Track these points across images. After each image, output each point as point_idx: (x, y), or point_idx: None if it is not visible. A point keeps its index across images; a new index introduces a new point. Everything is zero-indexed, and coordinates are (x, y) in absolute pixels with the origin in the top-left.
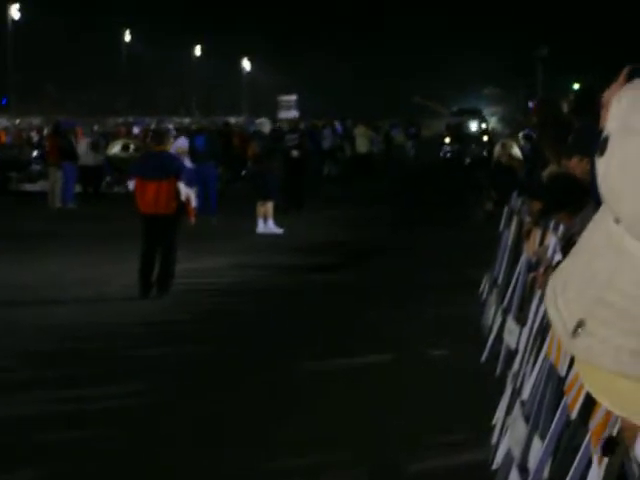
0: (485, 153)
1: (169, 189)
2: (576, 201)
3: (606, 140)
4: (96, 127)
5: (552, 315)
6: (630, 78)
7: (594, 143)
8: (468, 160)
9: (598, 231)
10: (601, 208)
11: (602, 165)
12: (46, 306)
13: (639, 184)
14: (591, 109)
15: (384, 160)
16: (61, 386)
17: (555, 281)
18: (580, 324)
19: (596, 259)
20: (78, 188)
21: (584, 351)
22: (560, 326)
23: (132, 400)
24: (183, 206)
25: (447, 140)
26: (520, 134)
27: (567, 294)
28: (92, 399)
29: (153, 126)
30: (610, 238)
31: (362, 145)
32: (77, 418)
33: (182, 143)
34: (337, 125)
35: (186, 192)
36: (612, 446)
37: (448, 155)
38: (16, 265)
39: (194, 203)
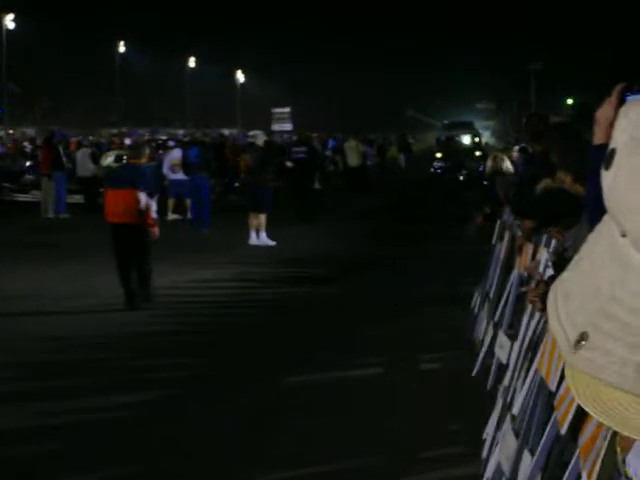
0: (481, 169)
1: (132, 198)
2: (568, 216)
3: (612, 153)
4: (90, 138)
5: (554, 327)
6: (623, 96)
7: (578, 160)
8: (462, 177)
9: (601, 243)
10: (604, 220)
11: (608, 179)
12: (38, 316)
13: None
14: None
15: (378, 174)
16: (52, 397)
17: (556, 293)
18: (583, 336)
19: (600, 271)
20: (78, 198)
21: (586, 364)
22: (562, 338)
23: (121, 411)
24: (144, 215)
25: (438, 155)
26: (515, 148)
27: (569, 306)
28: (84, 410)
29: (147, 137)
30: (615, 251)
31: (353, 159)
32: (71, 429)
33: (176, 155)
34: (329, 139)
35: (145, 202)
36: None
37: (439, 171)
38: (8, 275)
39: (154, 214)
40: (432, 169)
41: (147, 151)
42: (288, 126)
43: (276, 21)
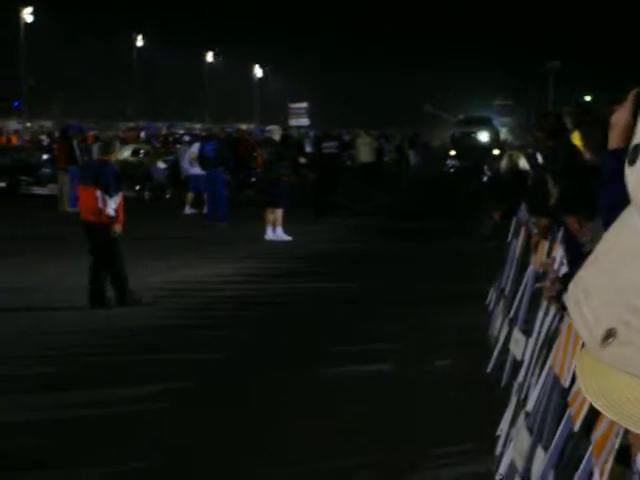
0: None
1: (93, 196)
2: (588, 208)
3: (636, 149)
4: (108, 132)
5: (577, 323)
6: (638, 100)
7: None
8: (485, 178)
9: (625, 238)
10: (624, 214)
11: (633, 174)
12: (44, 311)
13: None
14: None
15: (396, 170)
16: (51, 391)
17: (576, 290)
18: (611, 333)
19: (626, 266)
20: None
21: (617, 359)
22: (587, 334)
23: (124, 407)
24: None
25: (452, 153)
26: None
27: (592, 302)
28: (83, 404)
29: (164, 131)
30: None
31: (365, 154)
32: (70, 423)
33: (194, 149)
34: (344, 135)
35: (103, 200)
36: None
37: (452, 170)
38: (16, 268)
39: (111, 212)
40: (445, 168)
41: (117, 147)
42: (305, 121)
43: (294, 16)
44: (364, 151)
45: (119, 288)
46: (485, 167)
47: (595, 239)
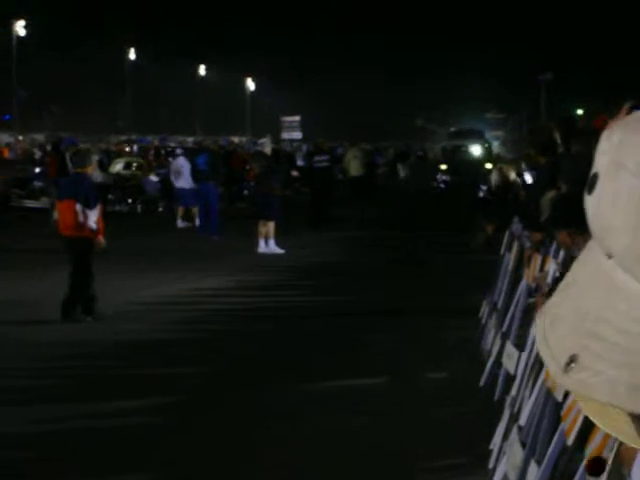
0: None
1: (71, 210)
2: (580, 223)
3: (595, 177)
4: (99, 145)
5: (542, 351)
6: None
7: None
8: (482, 193)
9: (588, 267)
10: (589, 245)
11: (592, 202)
12: (35, 324)
13: (630, 219)
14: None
15: (387, 184)
16: (51, 402)
17: (544, 318)
18: (573, 358)
19: (587, 294)
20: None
21: (578, 385)
22: (551, 362)
23: (120, 419)
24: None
25: (443, 167)
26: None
27: (557, 331)
28: (83, 416)
29: (156, 144)
30: (601, 273)
31: (354, 169)
32: (70, 435)
33: (179, 162)
34: (337, 147)
35: (84, 213)
36: (599, 467)
37: (442, 185)
38: (12, 281)
39: (92, 225)
40: (435, 183)
41: (93, 159)
42: (297, 134)
43: (286, 30)
44: (354, 165)
45: (90, 301)
46: (489, 178)
47: None
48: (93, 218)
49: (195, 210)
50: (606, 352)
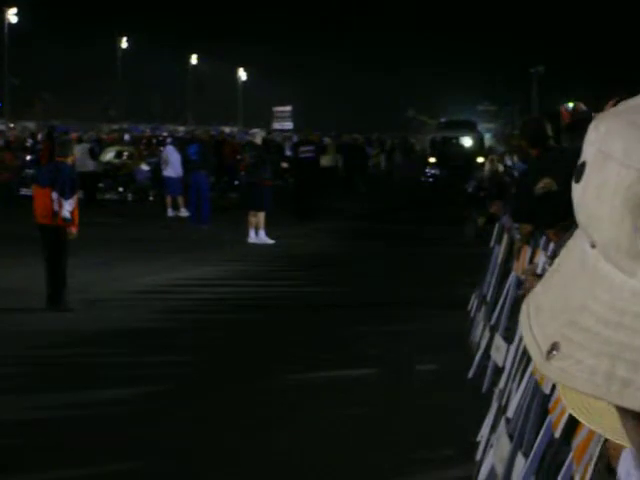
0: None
1: (48, 198)
2: (564, 219)
3: (583, 166)
4: (91, 133)
5: (526, 339)
6: None
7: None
8: (471, 189)
9: (572, 256)
10: (575, 233)
11: (578, 191)
12: (23, 312)
13: (615, 210)
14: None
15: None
16: (38, 391)
17: (528, 306)
18: (554, 347)
19: (571, 283)
20: (78, 194)
21: (558, 374)
22: (534, 349)
23: (115, 407)
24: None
25: (431, 160)
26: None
27: (540, 318)
28: (71, 405)
29: (148, 133)
30: (584, 262)
31: (325, 159)
32: (57, 423)
33: (167, 151)
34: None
35: (59, 202)
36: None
37: (431, 179)
38: (2, 269)
39: (67, 215)
40: (423, 177)
41: (78, 150)
42: (289, 125)
43: (279, 19)
44: (325, 156)
45: (60, 290)
46: (477, 173)
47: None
48: (68, 208)
49: (181, 199)
50: (587, 341)
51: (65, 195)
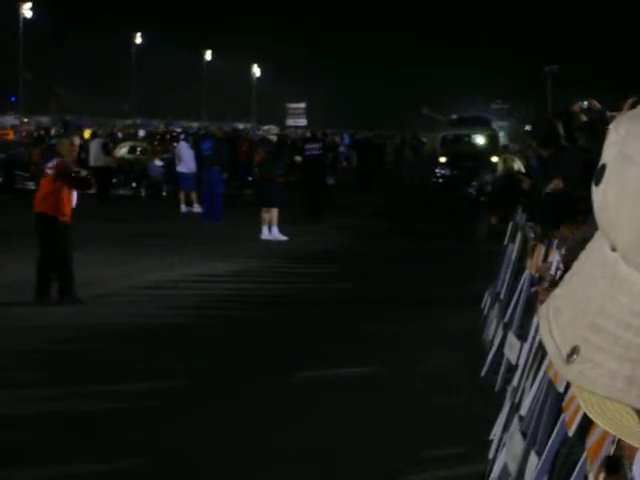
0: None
1: (48, 188)
2: (573, 215)
3: (603, 169)
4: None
5: (546, 341)
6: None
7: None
8: (474, 191)
9: (592, 258)
10: (595, 235)
11: (599, 194)
12: (34, 306)
13: (636, 213)
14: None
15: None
16: (44, 386)
17: (548, 307)
18: (574, 350)
19: (590, 286)
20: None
21: (578, 376)
22: (553, 352)
23: (120, 404)
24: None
25: (442, 160)
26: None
27: (560, 320)
28: (76, 400)
29: (161, 129)
30: (605, 265)
31: None
32: (63, 418)
33: (179, 147)
34: (345, 135)
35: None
36: (615, 465)
37: (441, 180)
38: (14, 263)
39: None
40: (433, 178)
41: (75, 145)
42: (302, 121)
43: (294, 16)
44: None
45: (66, 279)
46: (482, 175)
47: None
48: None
49: (194, 195)
50: (607, 345)
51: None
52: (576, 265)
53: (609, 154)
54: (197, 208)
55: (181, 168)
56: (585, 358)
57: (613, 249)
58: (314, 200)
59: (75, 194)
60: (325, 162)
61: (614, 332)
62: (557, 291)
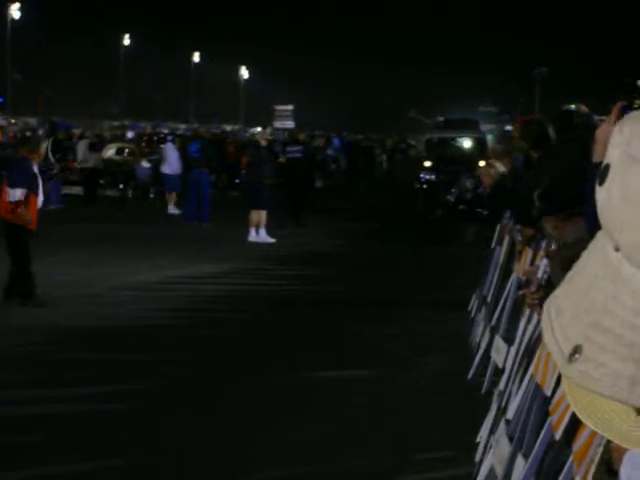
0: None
1: (4, 192)
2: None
3: (606, 169)
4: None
5: (548, 340)
6: (622, 114)
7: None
8: (453, 199)
9: (595, 258)
10: (598, 235)
11: (602, 194)
12: (23, 308)
13: None
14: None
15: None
16: (39, 387)
17: (550, 306)
18: (577, 349)
19: (593, 285)
20: (78, 190)
21: (581, 376)
22: (556, 351)
23: (111, 405)
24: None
25: (427, 164)
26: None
27: (562, 319)
28: (70, 401)
29: (148, 130)
30: (608, 265)
31: None
32: (58, 420)
33: (165, 150)
34: (334, 138)
35: (12, 196)
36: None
37: (425, 187)
38: None
39: (13, 198)
40: (417, 183)
41: (42, 146)
42: (290, 123)
43: (282, 18)
44: None
45: (23, 282)
46: (462, 181)
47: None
48: (12, 196)
49: (173, 196)
50: (610, 344)
51: (12, 186)
52: (577, 265)
53: (613, 154)
54: (173, 210)
55: (165, 169)
56: (588, 357)
57: (616, 249)
58: (295, 203)
59: (40, 198)
60: (306, 164)
61: (618, 332)
62: (558, 290)
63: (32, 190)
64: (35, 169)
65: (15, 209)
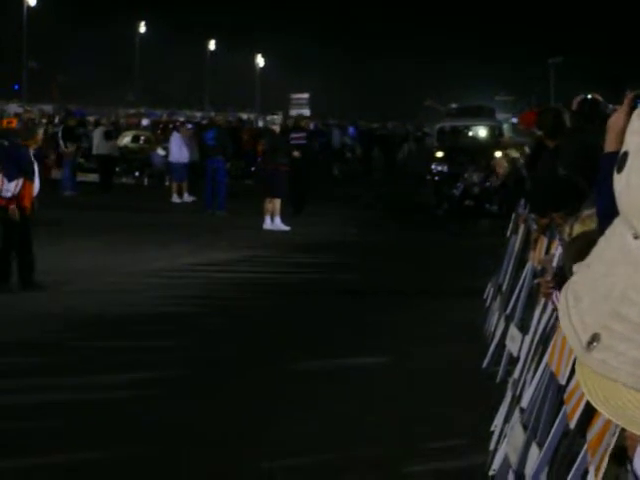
0: (488, 183)
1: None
2: (571, 203)
3: (625, 156)
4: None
5: (565, 327)
6: (634, 103)
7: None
8: (458, 194)
9: (613, 246)
10: (615, 222)
11: (621, 181)
12: (38, 293)
13: None
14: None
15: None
16: (44, 374)
17: (567, 294)
18: (595, 337)
19: (611, 273)
20: (93, 177)
21: (599, 365)
22: (573, 338)
23: (116, 393)
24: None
25: (439, 155)
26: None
27: (580, 307)
28: (78, 388)
29: (164, 118)
30: (627, 253)
31: None
32: (64, 407)
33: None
34: (350, 126)
35: (2, 181)
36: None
37: (436, 178)
38: None
39: (6, 194)
40: (428, 175)
41: (39, 134)
42: (306, 112)
43: (297, 4)
44: None
45: (23, 270)
46: (468, 175)
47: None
48: (8, 189)
49: (179, 185)
50: (629, 333)
51: (8, 177)
52: (594, 253)
53: (632, 142)
54: (188, 198)
55: (170, 158)
56: (606, 346)
57: (635, 236)
58: (299, 189)
59: (37, 183)
60: (310, 152)
61: (637, 320)
62: (575, 278)
63: (27, 177)
64: (31, 156)
65: (7, 206)
